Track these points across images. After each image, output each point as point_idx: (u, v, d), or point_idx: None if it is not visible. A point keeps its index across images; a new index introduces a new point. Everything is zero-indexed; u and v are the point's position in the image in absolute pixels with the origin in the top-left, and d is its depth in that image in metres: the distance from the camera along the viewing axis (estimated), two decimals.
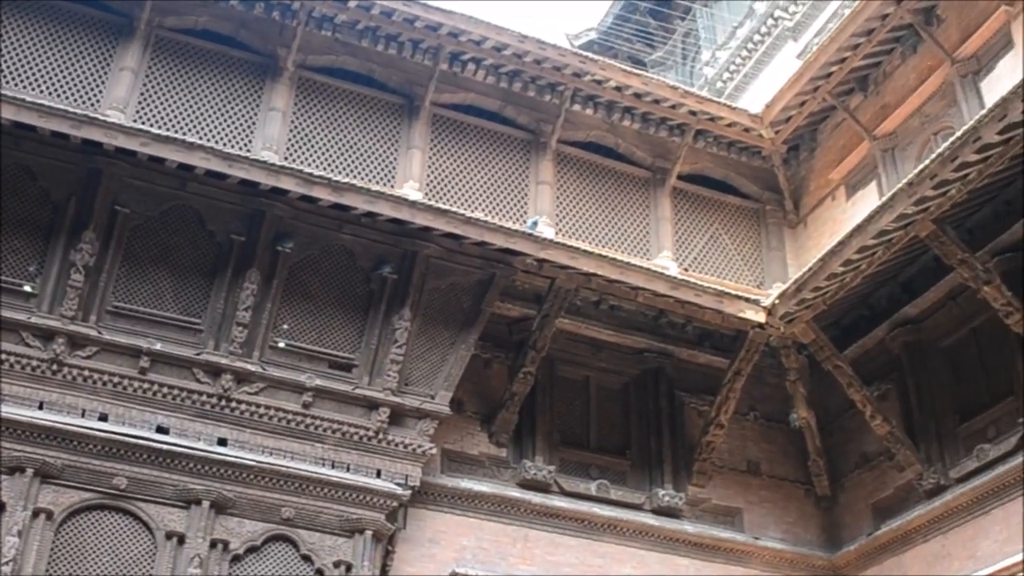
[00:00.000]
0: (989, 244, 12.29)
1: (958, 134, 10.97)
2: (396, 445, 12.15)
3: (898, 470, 13.38)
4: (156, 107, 13.15)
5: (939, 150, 11.15)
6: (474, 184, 14.77)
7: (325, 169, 13.50)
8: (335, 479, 11.79)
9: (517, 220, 14.41)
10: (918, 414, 13.36)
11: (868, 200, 14.91)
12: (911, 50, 14.86)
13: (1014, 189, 12.18)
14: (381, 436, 12.13)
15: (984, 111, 10.76)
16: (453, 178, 14.68)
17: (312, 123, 14.07)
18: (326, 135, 14.07)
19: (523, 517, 12.89)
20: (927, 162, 11.27)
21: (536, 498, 13.00)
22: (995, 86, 13.00)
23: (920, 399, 13.42)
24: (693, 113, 15.76)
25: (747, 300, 13.36)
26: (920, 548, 12.98)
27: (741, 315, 13.28)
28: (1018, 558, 11.53)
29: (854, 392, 13.36)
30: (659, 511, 13.55)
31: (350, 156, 14.09)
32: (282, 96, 13.88)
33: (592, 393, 14.21)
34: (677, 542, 13.50)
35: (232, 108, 13.64)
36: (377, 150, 14.33)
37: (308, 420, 11.98)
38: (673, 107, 15.66)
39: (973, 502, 12.34)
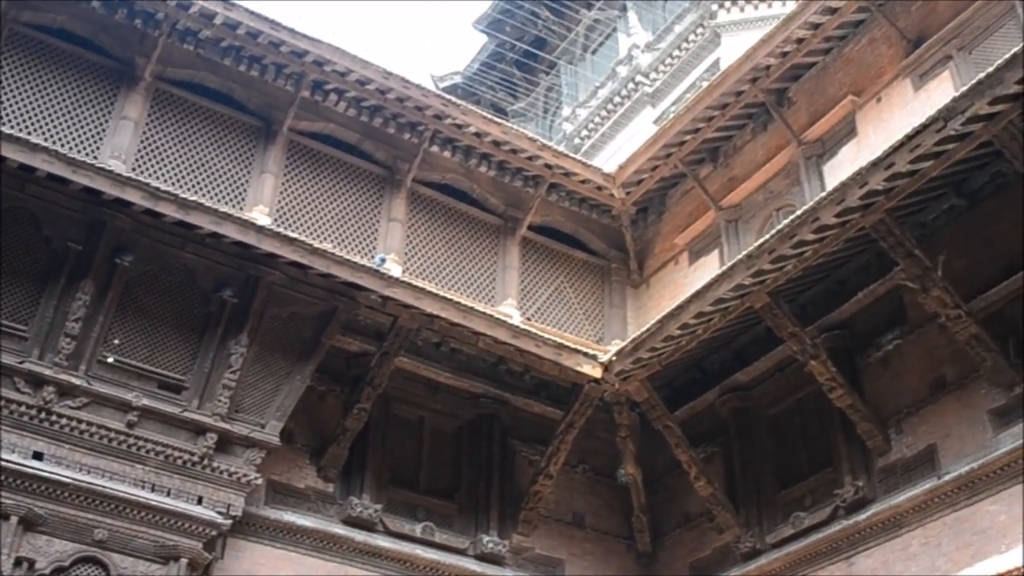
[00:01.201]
0: (819, 320, 12.80)
1: (798, 213, 11.41)
2: (221, 472, 11.84)
3: (717, 531, 13.69)
4: (1, 104, 12.68)
5: (779, 227, 11.56)
6: (325, 215, 14.67)
7: (174, 185, 13.21)
8: (153, 503, 11.41)
9: (365, 255, 14.36)
10: (740, 478, 13.73)
11: (709, 267, 15.35)
12: (761, 128, 15.45)
13: (846, 270, 12.73)
14: (206, 462, 11.81)
15: (824, 194, 11.22)
16: (304, 207, 14.55)
17: (165, 136, 13.78)
18: (178, 150, 13.80)
19: (345, 555, 12.68)
20: (767, 237, 11.67)
21: (360, 536, 12.82)
22: (837, 170, 13.60)
23: (743, 464, 13.79)
24: (549, 166, 16.02)
25: (585, 354, 13.55)
26: None
27: (578, 369, 13.45)
28: None
29: (681, 453, 13.65)
30: (482, 557, 13.53)
31: (201, 174, 13.84)
32: (136, 106, 13.56)
33: (425, 434, 14.15)
34: None
35: (82, 112, 13.27)
36: (229, 171, 14.11)
37: (131, 440, 11.57)
38: (530, 158, 15.89)
39: (786, 567, 12.70)
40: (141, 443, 11.60)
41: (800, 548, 12.60)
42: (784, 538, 12.91)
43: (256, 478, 12.06)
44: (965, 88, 9.94)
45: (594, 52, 25.78)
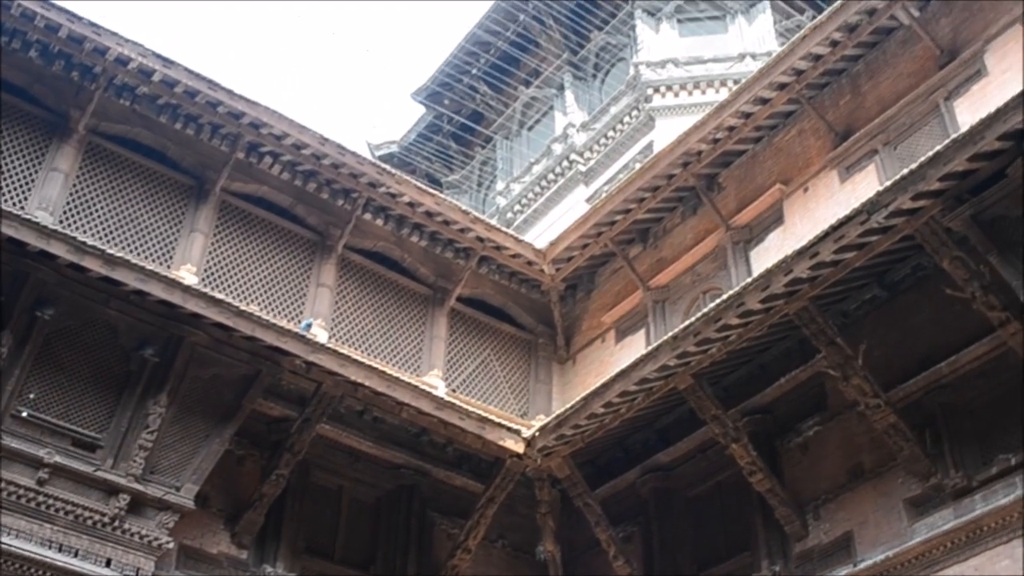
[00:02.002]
0: (741, 404, 12.91)
1: (724, 297, 11.58)
2: (132, 535, 11.54)
3: None
4: None
5: (705, 310, 11.71)
6: (253, 277, 14.57)
7: (101, 239, 13.06)
8: (59, 563, 11.06)
9: (293, 319, 14.26)
10: (659, 559, 13.69)
11: (635, 347, 15.46)
12: (691, 211, 15.72)
13: (769, 355, 12.90)
14: (117, 523, 11.50)
15: (749, 279, 11.42)
16: (233, 268, 14.44)
17: (95, 190, 13.64)
18: (108, 205, 13.66)
19: None
20: (693, 319, 11.81)
21: None
22: (763, 256, 13.84)
23: (662, 545, 13.76)
24: (480, 239, 16.10)
25: (509, 429, 13.52)
26: None
27: (501, 443, 13.40)
28: None
29: (601, 531, 13.60)
30: None
31: (129, 230, 13.69)
32: (67, 158, 13.42)
33: (344, 503, 13.96)
34: None
35: (11, 163, 13.10)
36: (158, 228, 13.99)
37: (41, 498, 11.23)
38: (462, 230, 15.96)
39: None
40: (51, 501, 11.27)
41: None
42: None
43: (168, 542, 11.77)
44: (889, 183, 10.23)
45: (530, 128, 26.11)
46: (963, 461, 11.00)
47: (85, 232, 13.07)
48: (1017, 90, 9.50)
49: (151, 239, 13.87)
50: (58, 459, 11.39)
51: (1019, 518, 10.24)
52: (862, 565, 11.41)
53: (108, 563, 11.38)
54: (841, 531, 11.89)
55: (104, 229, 13.47)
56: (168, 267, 13.56)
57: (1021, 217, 9.83)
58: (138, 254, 13.48)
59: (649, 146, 21.35)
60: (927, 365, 11.39)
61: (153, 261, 13.52)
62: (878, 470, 11.73)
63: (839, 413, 12.31)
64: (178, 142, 14.25)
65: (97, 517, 11.46)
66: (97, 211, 13.55)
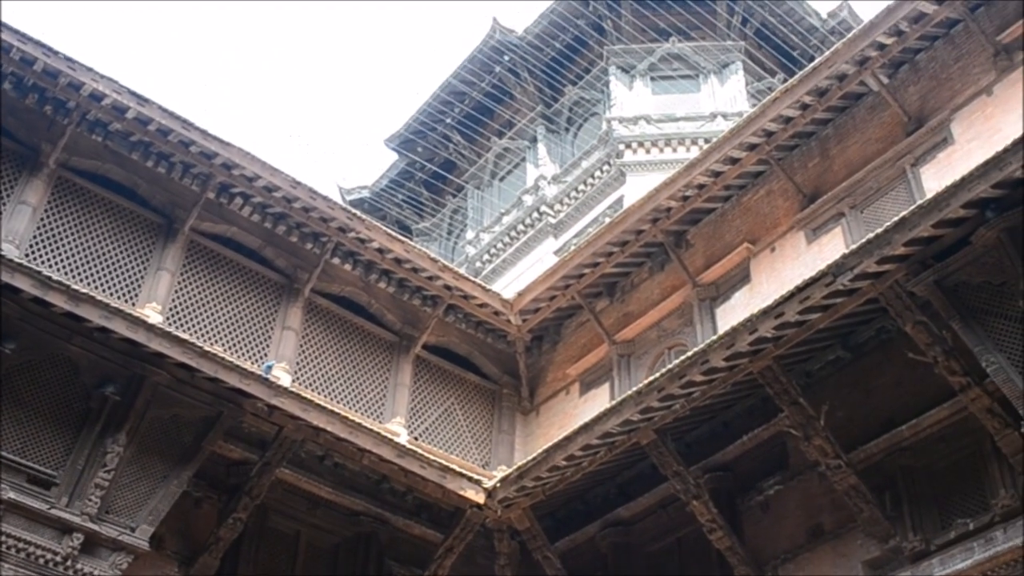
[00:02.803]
0: (703, 461, 12.93)
1: (688, 354, 11.62)
2: (84, 575, 11.36)
3: None
4: None
5: (670, 366, 11.76)
6: (219, 318, 14.50)
7: (66, 275, 12.97)
8: None
9: (256, 361, 14.18)
10: None
11: (599, 400, 15.49)
12: (659, 267, 15.82)
13: (732, 413, 12.94)
14: (70, 563, 11.29)
15: (715, 337, 11.47)
16: (198, 308, 14.37)
17: (63, 225, 13.57)
18: (75, 240, 13.58)
19: None
20: (657, 375, 11.84)
21: None
22: (729, 314, 13.94)
23: None
24: (448, 288, 16.12)
25: (469, 479, 13.45)
26: None
27: (461, 493, 13.33)
28: None
29: None
30: None
31: (96, 266, 13.62)
32: (36, 192, 13.36)
33: (301, 549, 13.76)
34: None
35: None
36: (125, 265, 13.91)
37: None
38: (430, 278, 15.98)
39: None
40: (3, 539, 11.05)
41: None
42: None
43: None
44: (855, 246, 10.34)
45: (502, 179, 26.27)
46: (922, 524, 11.04)
47: (51, 267, 12.99)
48: (982, 159, 9.67)
49: (117, 276, 13.79)
50: (12, 495, 11.18)
51: None
52: None
53: None
54: None
55: (70, 264, 13.39)
56: (133, 305, 13.48)
57: (983, 284, 9.95)
58: (103, 291, 13.39)
59: (619, 201, 21.52)
60: (888, 427, 11.46)
61: (118, 298, 13.44)
62: (838, 531, 11.75)
63: (800, 473, 12.35)
64: (149, 180, 14.22)
65: (50, 556, 11.26)
66: (64, 246, 13.47)
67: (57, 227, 13.52)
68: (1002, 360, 9.83)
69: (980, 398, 10.37)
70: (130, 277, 13.91)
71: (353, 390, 15.40)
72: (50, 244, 13.36)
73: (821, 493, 12.02)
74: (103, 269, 13.70)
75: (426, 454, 13.42)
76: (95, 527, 11.48)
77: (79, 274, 13.35)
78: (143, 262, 14.12)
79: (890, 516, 11.21)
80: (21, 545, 11.14)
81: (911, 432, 11.30)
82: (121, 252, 13.98)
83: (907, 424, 11.31)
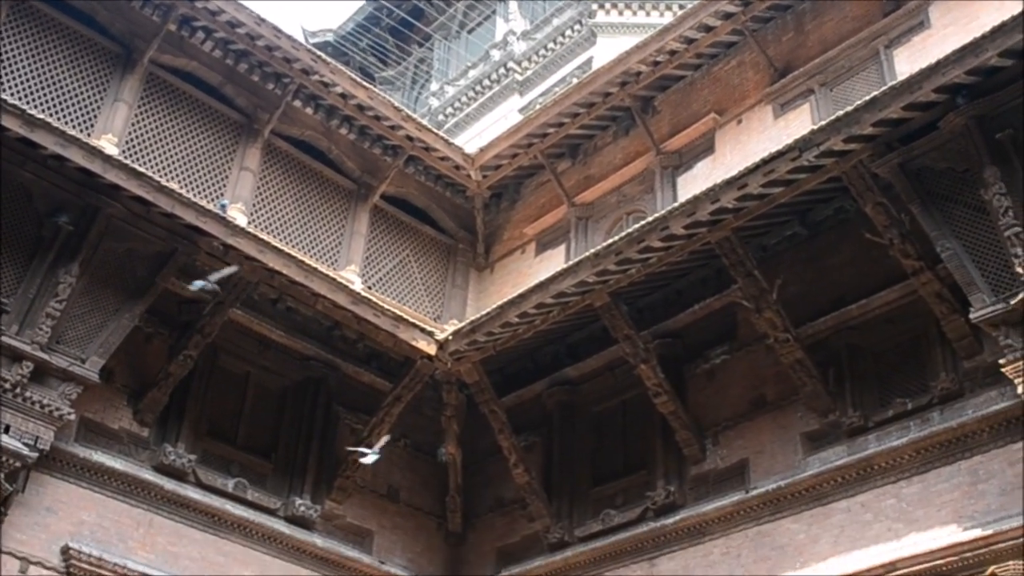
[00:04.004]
0: (653, 327, 13.10)
1: (648, 220, 11.65)
2: (33, 403, 11.34)
3: (528, 520, 13.88)
4: None
5: (629, 230, 11.78)
6: (175, 153, 14.26)
7: (21, 100, 12.62)
8: None
9: (212, 200, 13.99)
10: (557, 471, 13.94)
11: (555, 261, 15.54)
12: (624, 132, 15.72)
13: (686, 281, 13.06)
14: (19, 391, 11.27)
15: (676, 204, 11.50)
16: (155, 142, 14.11)
17: (18, 50, 13.14)
18: (30, 66, 13.20)
19: (152, 502, 12.33)
20: (616, 239, 11.87)
21: (169, 484, 12.49)
22: (690, 184, 13.93)
23: (562, 457, 14.01)
24: (410, 138, 15.95)
25: (422, 330, 13.52)
26: None
27: (413, 343, 13.41)
28: None
29: (503, 439, 13.76)
30: (292, 519, 13.37)
31: (51, 93, 13.29)
32: None
33: (249, 390, 13.86)
34: (304, 554, 13.35)
35: None
36: (81, 94, 13.59)
37: None
38: (392, 127, 15.78)
39: (590, 562, 12.96)
40: None
41: (606, 545, 12.88)
42: (592, 533, 13.17)
43: (69, 413, 11.61)
44: (824, 123, 10.32)
45: (470, 31, 25.76)
46: (862, 401, 11.33)
47: (5, 91, 12.62)
48: (957, 45, 9.61)
49: (73, 105, 13.47)
50: None
51: (909, 460, 10.60)
52: (754, 492, 11.74)
53: (7, 430, 11.17)
54: (737, 458, 12.21)
55: (24, 90, 13.04)
56: (89, 135, 13.19)
57: (947, 171, 10.00)
58: (58, 119, 13.07)
59: (588, 62, 21.22)
60: (838, 305, 11.65)
61: (73, 127, 13.14)
62: (779, 403, 12.03)
63: (748, 344, 12.55)
64: (108, 7, 13.78)
65: None
66: (18, 71, 13.08)
67: (11, 52, 13.09)
68: (957, 247, 9.96)
69: (931, 283, 10.53)
70: (86, 107, 13.59)
71: (309, 235, 15.32)
72: (4, 69, 12.96)
73: (766, 365, 12.25)
74: (58, 97, 13.37)
75: (380, 303, 13.44)
76: (45, 356, 11.45)
77: (33, 100, 13.02)
78: (100, 92, 13.79)
79: (832, 392, 11.49)
80: None
81: (860, 311, 11.50)
82: (77, 80, 13.62)
83: (857, 303, 11.50)
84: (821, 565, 10.86)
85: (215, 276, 11.99)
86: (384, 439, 13.29)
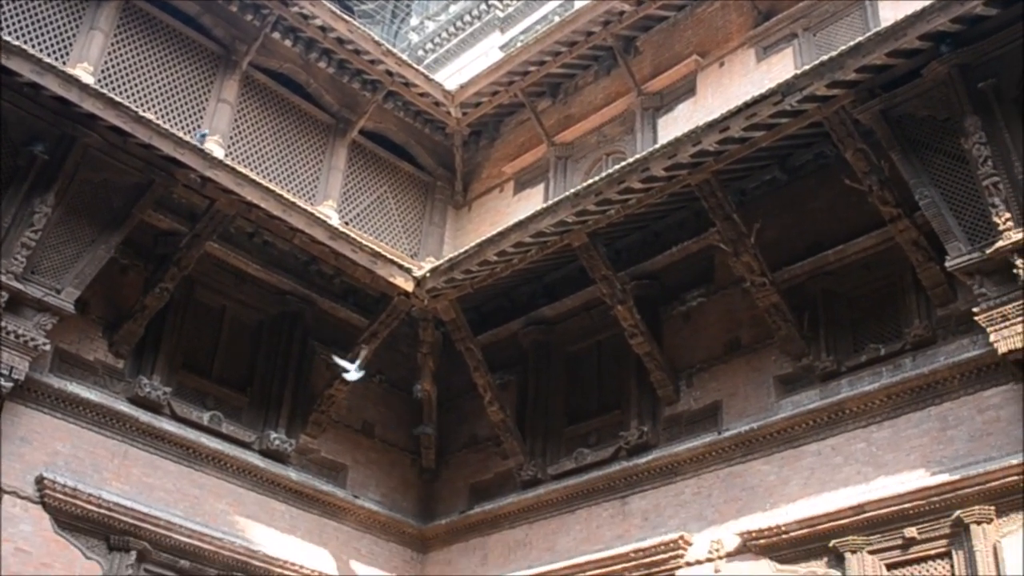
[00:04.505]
0: (631, 268, 13.13)
1: (629, 161, 11.63)
2: (7, 333, 11.22)
3: (502, 457, 14.00)
4: None
5: (609, 171, 11.76)
6: (152, 84, 14.10)
7: None
8: None
9: (189, 132, 13.87)
10: (532, 409, 14.04)
11: (533, 200, 15.53)
12: (605, 72, 15.64)
13: (664, 223, 13.08)
14: None
15: (657, 146, 11.48)
16: (131, 72, 13.95)
17: None
18: None
19: (127, 433, 12.34)
20: (596, 179, 11.86)
21: (144, 416, 12.49)
22: (671, 126, 13.91)
23: (537, 396, 14.10)
24: (390, 73, 15.82)
25: (400, 266, 13.50)
26: (506, 533, 13.64)
27: (391, 280, 13.40)
28: (590, 557, 12.40)
29: (479, 376, 13.82)
30: (267, 453, 13.44)
31: (26, 22, 13.08)
32: None
33: (225, 324, 13.82)
34: (278, 487, 13.44)
35: None
36: (57, 23, 13.39)
37: None
38: (372, 62, 15.65)
39: (563, 499, 13.11)
40: None
41: (579, 483, 13.02)
42: (565, 471, 13.30)
43: (44, 344, 11.54)
44: (807, 67, 10.30)
45: None
46: (835, 346, 11.44)
47: None
48: None
49: (47, 32, 13.27)
50: None
51: (880, 405, 10.73)
52: (726, 434, 11.87)
53: None
54: (711, 400, 12.33)
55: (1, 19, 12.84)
56: (64, 63, 12.99)
57: (928, 118, 10.02)
58: (34, 46, 12.86)
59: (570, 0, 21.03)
60: (815, 251, 11.72)
61: (50, 55, 12.95)
62: (754, 346, 12.12)
63: (724, 287, 12.61)
64: None
65: None
66: None
67: None
68: (935, 195, 10.01)
69: (908, 230, 10.59)
70: (61, 34, 13.39)
71: (286, 170, 15.22)
72: None
73: (742, 309, 12.33)
74: (33, 25, 13.17)
75: (358, 239, 13.38)
76: (20, 286, 11.35)
77: (7, 27, 12.80)
78: (75, 19, 13.58)
79: (806, 336, 11.58)
80: None
81: (836, 257, 11.57)
82: (52, 7, 13.41)
83: (834, 249, 11.57)
84: (791, 506, 11.03)
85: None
86: (363, 352, 13.31)
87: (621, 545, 12.25)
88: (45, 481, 11.53)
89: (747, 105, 10.60)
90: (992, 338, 9.54)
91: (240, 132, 14.86)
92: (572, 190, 12.16)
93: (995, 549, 9.50)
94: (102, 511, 11.78)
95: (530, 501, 13.44)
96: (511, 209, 15.92)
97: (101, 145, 11.72)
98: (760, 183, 12.42)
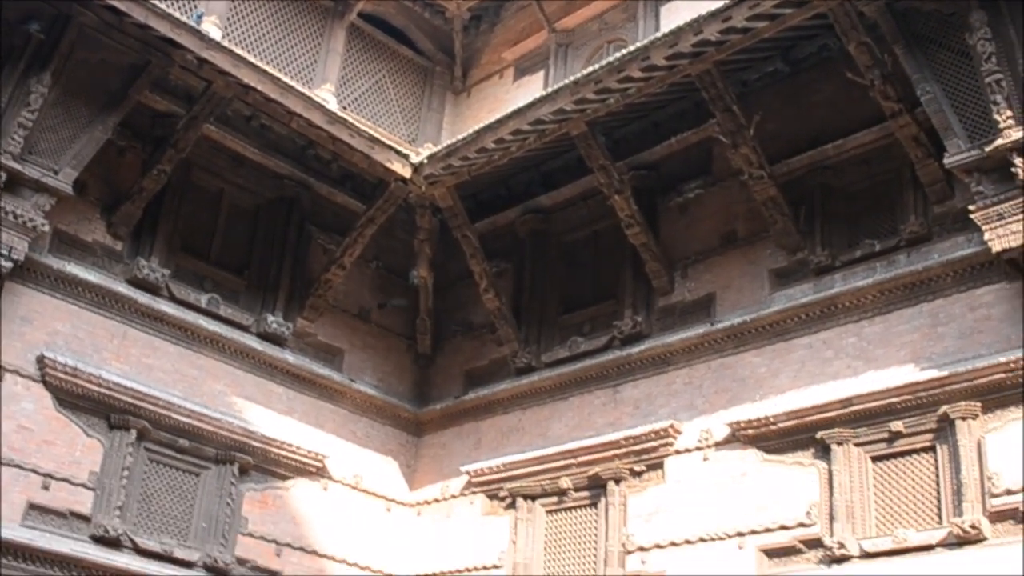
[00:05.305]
0: (629, 158, 13.12)
1: (630, 49, 11.52)
2: (6, 214, 11.21)
3: (497, 344, 14.15)
4: None
5: (610, 59, 11.65)
6: None
7: None
8: None
9: (185, 13, 13.67)
10: (527, 297, 14.14)
11: (533, 87, 15.39)
12: None
13: (664, 113, 13.03)
14: None
15: (658, 35, 11.36)
16: None
17: None
18: None
19: (126, 314, 12.46)
20: (596, 67, 11.75)
21: (143, 298, 12.59)
22: (674, 14, 13.64)
23: (532, 284, 14.19)
24: None
25: (397, 152, 13.45)
26: (499, 418, 13.88)
27: (388, 165, 13.36)
28: (581, 443, 12.63)
29: (475, 264, 13.89)
30: (264, 336, 13.57)
31: None
32: None
33: (223, 207, 13.82)
34: (276, 369, 13.62)
35: None
36: None
37: None
38: None
39: (556, 387, 13.31)
40: None
41: (572, 371, 13.20)
42: (558, 359, 13.47)
43: (43, 224, 11.56)
44: None
45: None
46: (831, 241, 11.50)
47: None
48: None
49: None
50: None
51: (872, 300, 10.83)
52: (719, 325, 12.00)
53: None
54: (705, 292, 12.43)
55: None
56: None
57: (933, 12, 9.91)
58: None
59: None
60: (815, 144, 11.69)
61: None
62: (750, 239, 12.18)
63: (722, 180, 12.61)
64: None
65: None
66: None
67: None
68: (937, 90, 9.96)
69: (908, 126, 10.56)
70: None
71: (284, 52, 15.03)
72: None
73: (739, 201, 12.34)
74: None
75: (355, 123, 13.31)
76: (18, 167, 11.32)
77: None
78: None
79: (802, 230, 11.63)
80: None
81: (835, 151, 11.55)
82: None
83: (833, 143, 11.55)
84: (780, 398, 11.22)
85: None
86: None
87: (612, 432, 12.48)
88: (46, 360, 11.68)
89: None
90: (987, 236, 9.59)
91: (237, 13, 14.64)
92: (571, 78, 12.05)
93: (979, 444, 9.71)
94: (102, 390, 11.96)
95: (524, 388, 13.64)
96: (510, 96, 15.78)
97: (97, 24, 11.58)
98: (762, 74, 12.32)
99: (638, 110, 12.77)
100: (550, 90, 12.31)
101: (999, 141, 9.43)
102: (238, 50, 12.64)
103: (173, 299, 12.93)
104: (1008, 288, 9.94)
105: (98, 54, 11.75)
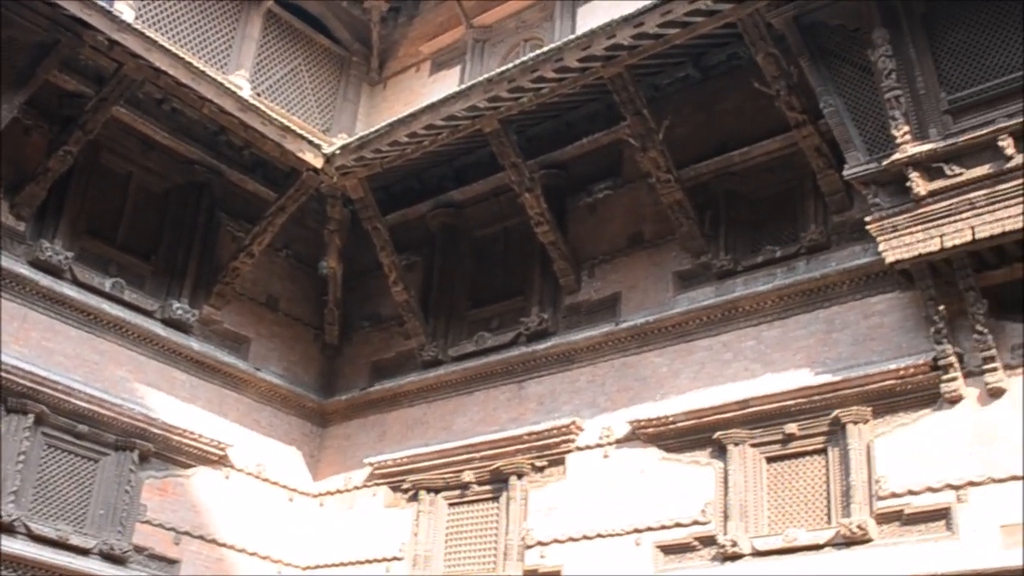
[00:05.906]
0: (540, 157, 13.25)
1: (544, 49, 11.67)
2: None
3: (404, 337, 14.19)
4: None
5: (524, 58, 11.77)
6: None
7: None
8: None
9: None
10: (436, 291, 14.20)
11: (448, 82, 15.44)
12: None
13: (576, 115, 13.18)
14: None
15: (572, 36, 11.49)
16: None
17: None
18: None
19: (27, 297, 12.22)
20: (510, 66, 11.87)
21: (45, 280, 12.38)
22: (589, 16, 13.80)
23: (441, 278, 14.26)
24: None
25: (310, 142, 13.40)
26: (404, 411, 13.93)
27: (300, 155, 13.30)
28: (485, 438, 12.75)
29: (385, 256, 13.90)
30: (169, 322, 13.44)
31: None
32: None
33: (131, 190, 13.62)
34: (180, 356, 13.49)
35: None
36: None
37: None
38: None
39: (462, 381, 13.40)
40: None
41: (478, 365, 13.30)
42: (465, 353, 13.56)
43: None
44: None
45: None
46: (734, 245, 11.75)
47: None
48: None
49: None
50: None
51: (772, 305, 11.11)
52: (623, 325, 12.19)
53: None
54: (611, 291, 12.61)
55: None
56: None
57: (839, 28, 10.17)
58: None
59: None
60: (722, 151, 11.93)
61: None
62: (656, 241, 12.38)
63: (631, 182, 12.80)
64: None
65: None
66: None
67: None
68: (839, 104, 10.22)
69: (811, 136, 10.84)
70: None
71: (198, 36, 14.86)
72: None
73: (647, 203, 12.54)
74: None
75: (268, 111, 13.25)
76: None
77: None
78: None
79: (707, 234, 11.87)
80: None
81: (741, 158, 11.80)
82: None
83: (739, 150, 11.79)
84: (680, 398, 11.44)
85: None
86: None
87: (515, 428, 12.61)
88: None
89: (663, 1, 10.63)
90: (881, 247, 9.86)
91: None
92: (486, 76, 12.13)
93: (868, 448, 10.01)
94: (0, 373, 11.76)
95: (430, 381, 13.71)
96: (426, 89, 15.81)
97: (5, 0, 11.35)
98: (673, 80, 12.52)
99: (551, 110, 12.90)
100: (464, 86, 12.40)
101: (896, 156, 9.71)
102: (151, 33, 12.51)
103: (76, 282, 12.73)
104: (900, 297, 10.27)
105: (5, 31, 11.50)
